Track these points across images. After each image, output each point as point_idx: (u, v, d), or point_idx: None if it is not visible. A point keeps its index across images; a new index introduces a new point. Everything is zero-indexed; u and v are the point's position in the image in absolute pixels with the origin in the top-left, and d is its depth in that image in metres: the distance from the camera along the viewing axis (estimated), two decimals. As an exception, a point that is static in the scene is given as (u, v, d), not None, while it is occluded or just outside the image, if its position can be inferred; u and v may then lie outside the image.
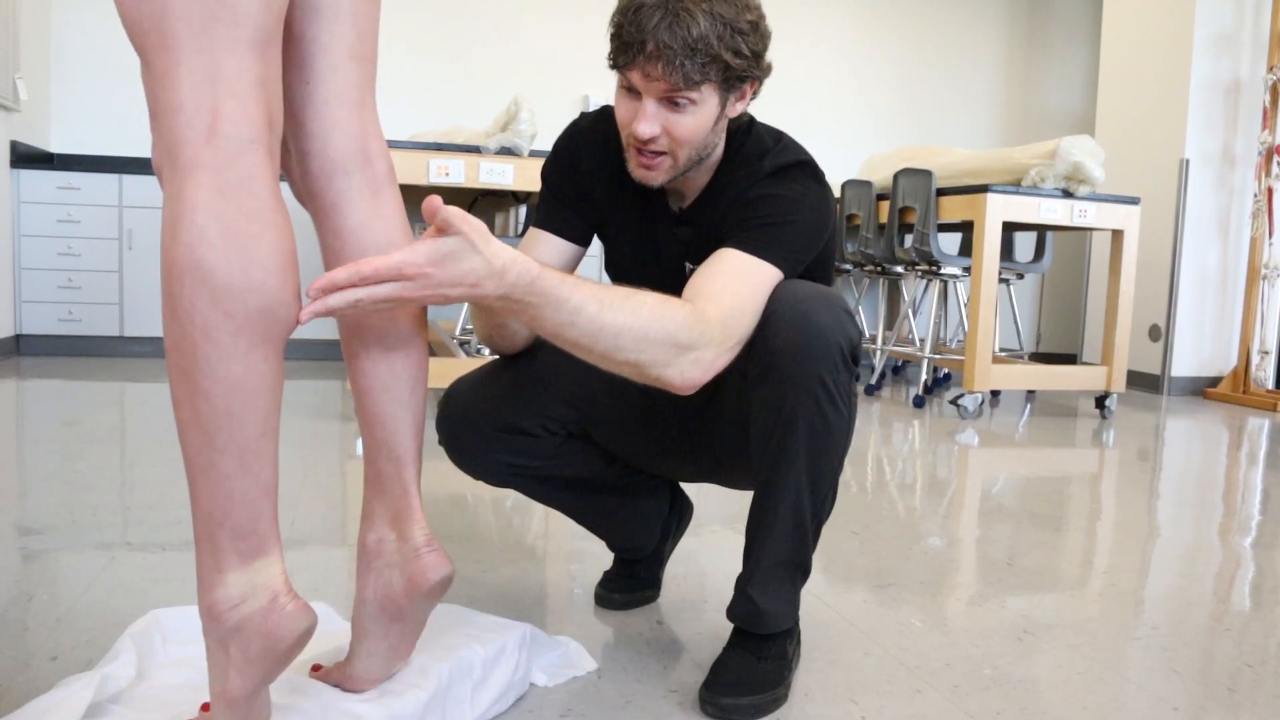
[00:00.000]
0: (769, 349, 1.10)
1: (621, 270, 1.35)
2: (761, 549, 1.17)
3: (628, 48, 1.08)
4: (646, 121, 1.11)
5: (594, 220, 1.31)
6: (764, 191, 1.17)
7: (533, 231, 1.31)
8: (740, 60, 1.10)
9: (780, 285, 1.14)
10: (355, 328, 0.99)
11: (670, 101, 1.10)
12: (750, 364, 1.13)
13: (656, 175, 1.16)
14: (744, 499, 2.22)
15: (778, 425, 1.11)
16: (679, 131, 1.12)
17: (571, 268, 1.31)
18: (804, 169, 1.20)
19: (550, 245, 1.28)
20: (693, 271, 1.26)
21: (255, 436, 0.82)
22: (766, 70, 1.15)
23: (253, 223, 0.80)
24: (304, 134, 0.97)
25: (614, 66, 1.12)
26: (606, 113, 1.29)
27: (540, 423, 1.27)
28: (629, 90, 1.13)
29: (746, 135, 1.23)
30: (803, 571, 1.20)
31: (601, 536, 1.49)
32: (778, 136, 1.24)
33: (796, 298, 1.11)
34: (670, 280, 1.30)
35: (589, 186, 1.28)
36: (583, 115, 1.31)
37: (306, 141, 0.96)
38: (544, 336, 1.01)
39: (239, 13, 0.81)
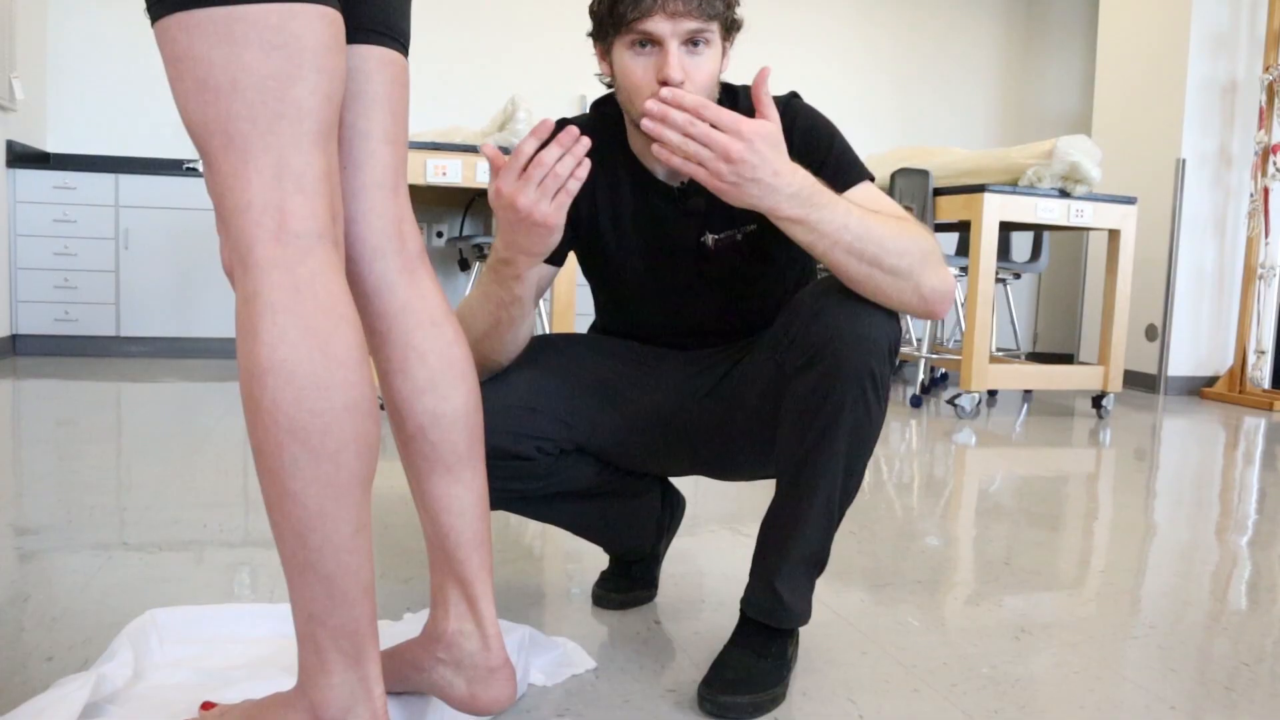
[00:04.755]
0: (822, 336, 1.10)
1: (620, 271, 1.33)
2: (793, 542, 1.16)
3: None
4: (675, 65, 1.12)
5: (570, 235, 1.31)
6: (803, 135, 1.22)
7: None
8: (734, 2, 1.17)
9: (826, 279, 1.16)
10: (419, 452, 1.00)
11: (691, 44, 1.13)
12: (791, 352, 1.13)
13: None
14: (741, 498, 2.22)
15: (821, 413, 1.11)
16: (700, 76, 1.15)
17: (545, 288, 1.30)
18: (796, 95, 1.28)
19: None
20: (714, 241, 1.28)
21: (349, 535, 0.82)
22: (742, 20, 1.20)
23: (328, 319, 0.80)
24: (344, 218, 0.97)
25: (620, 27, 1.13)
26: (569, 121, 1.29)
27: (535, 445, 1.23)
28: (641, 45, 1.13)
29: (729, 94, 1.27)
30: (821, 566, 1.20)
31: (598, 543, 1.48)
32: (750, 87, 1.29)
33: (848, 290, 1.13)
34: (688, 258, 1.30)
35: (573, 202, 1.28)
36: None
37: (346, 226, 0.97)
38: (820, 248, 1.08)
39: (302, 109, 0.81)
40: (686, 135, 1.00)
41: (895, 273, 1.08)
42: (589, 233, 1.31)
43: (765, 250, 1.30)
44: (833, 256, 1.07)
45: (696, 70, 1.14)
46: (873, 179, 1.22)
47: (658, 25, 1.11)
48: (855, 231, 1.06)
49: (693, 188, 1.26)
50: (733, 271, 1.30)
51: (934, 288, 1.10)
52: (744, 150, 1.00)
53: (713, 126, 1.00)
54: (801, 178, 1.04)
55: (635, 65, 1.14)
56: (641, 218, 1.29)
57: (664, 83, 1.12)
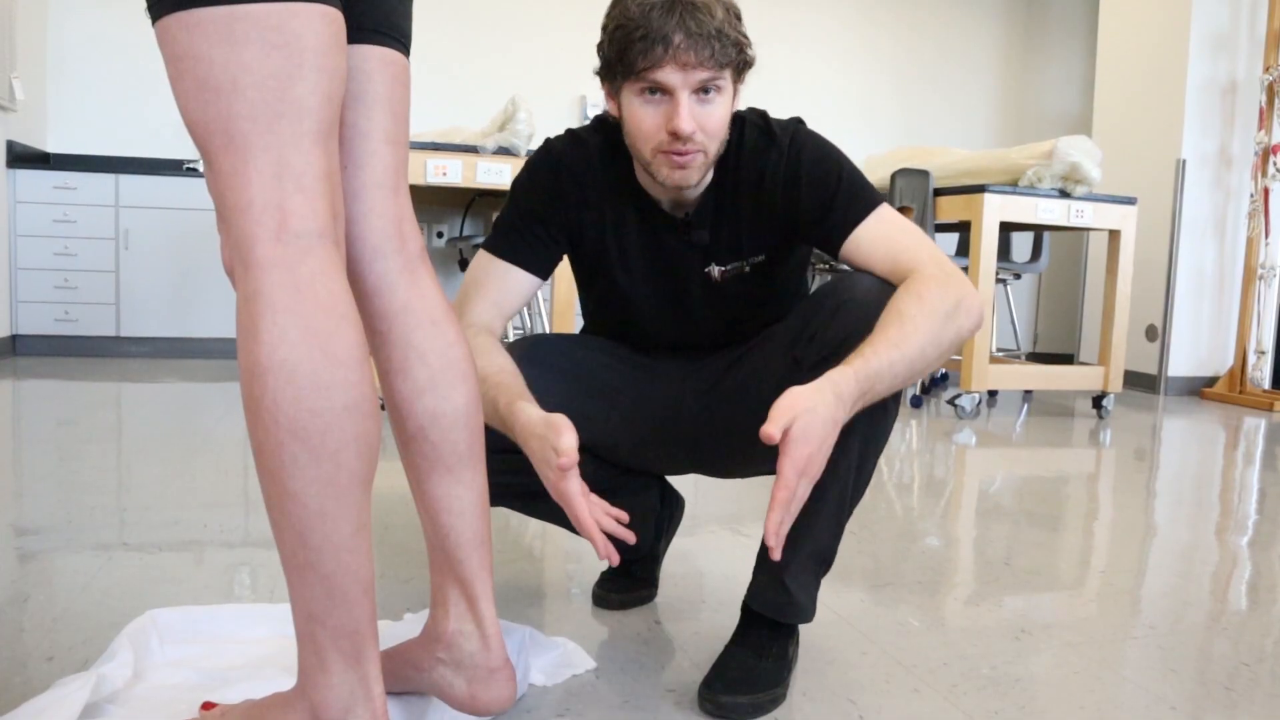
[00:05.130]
0: (841, 333, 1.10)
1: (624, 292, 1.32)
2: (803, 538, 1.16)
3: (652, 45, 1.08)
4: (687, 115, 1.11)
5: (567, 249, 1.31)
6: (810, 167, 1.21)
7: (492, 260, 1.28)
8: (746, 43, 1.15)
9: (849, 276, 1.16)
10: (419, 452, 1.00)
11: (701, 92, 1.12)
12: (810, 348, 1.13)
13: (691, 173, 1.17)
14: (741, 498, 2.22)
15: None
16: (711, 124, 1.14)
17: (528, 300, 1.30)
18: (800, 123, 1.26)
19: (514, 278, 1.27)
20: (721, 273, 1.28)
21: (349, 534, 0.82)
22: (754, 59, 1.18)
23: (329, 318, 0.80)
24: (344, 218, 0.97)
25: (630, 74, 1.12)
26: (578, 135, 1.29)
27: None
28: (651, 93, 1.12)
29: (738, 124, 1.25)
30: (828, 564, 1.20)
31: None
32: (762, 113, 1.27)
33: (868, 289, 1.13)
34: (694, 288, 1.30)
35: (572, 211, 1.28)
36: (551, 140, 1.31)
37: (346, 225, 0.97)
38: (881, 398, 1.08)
39: (302, 108, 0.81)
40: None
41: (944, 352, 1.09)
42: (596, 260, 1.31)
43: (772, 277, 1.30)
44: (901, 389, 1.09)
45: (707, 119, 1.14)
46: (883, 202, 1.21)
47: (668, 76, 1.10)
48: (901, 368, 1.05)
49: (696, 220, 1.26)
50: (738, 298, 1.31)
51: (970, 328, 1.11)
52: (813, 472, 0.98)
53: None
54: (846, 391, 1.00)
55: (645, 114, 1.14)
56: (648, 248, 1.29)
57: (674, 134, 1.12)
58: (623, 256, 1.30)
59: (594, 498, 1.06)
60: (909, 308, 1.07)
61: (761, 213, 1.24)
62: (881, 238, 1.18)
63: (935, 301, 1.08)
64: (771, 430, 0.95)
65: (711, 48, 1.09)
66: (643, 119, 1.14)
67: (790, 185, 1.21)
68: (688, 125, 1.11)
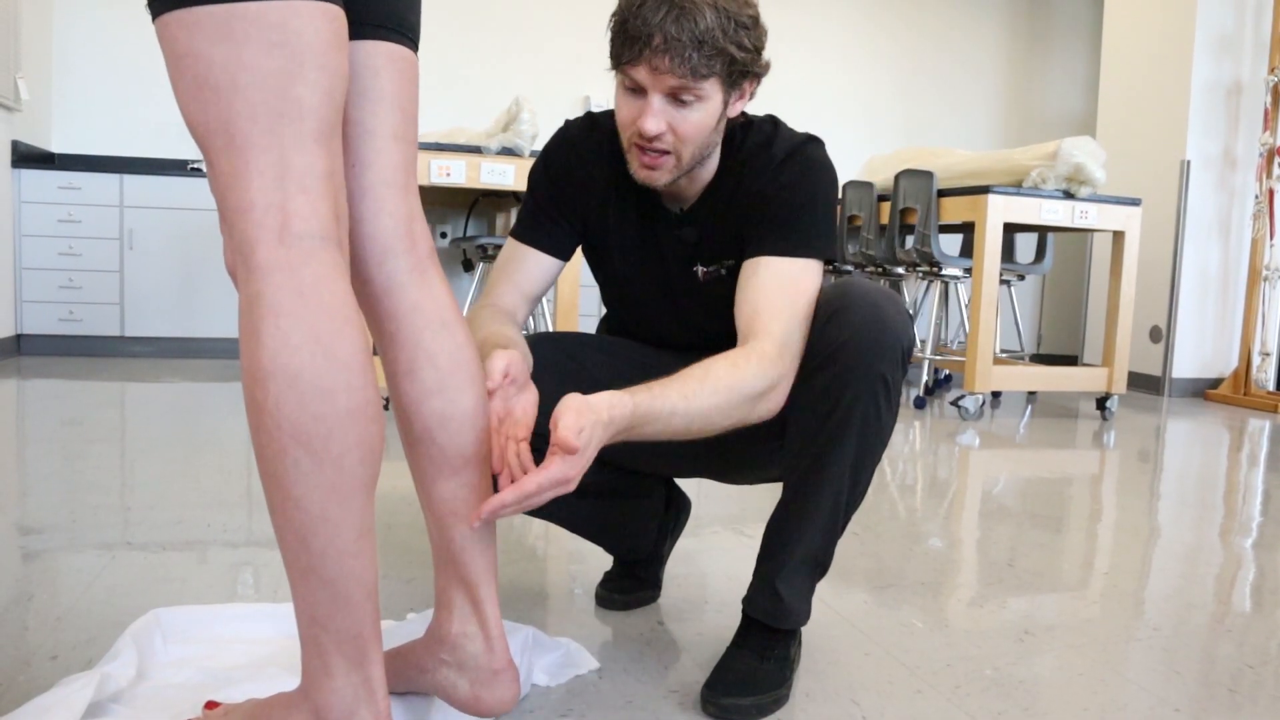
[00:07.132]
0: (836, 339, 1.10)
1: (622, 278, 1.33)
2: (795, 542, 1.16)
3: (633, 42, 1.08)
4: (652, 118, 1.10)
5: (581, 232, 1.32)
6: (782, 182, 1.18)
7: (515, 245, 1.30)
8: (744, 54, 1.11)
9: (849, 281, 1.15)
10: (426, 455, 1.00)
11: (676, 98, 1.10)
12: (805, 353, 1.13)
13: (660, 175, 1.16)
14: (745, 499, 2.22)
15: (832, 417, 1.11)
16: (684, 129, 1.12)
17: (551, 281, 1.31)
18: (814, 144, 1.22)
19: (534, 261, 1.29)
20: (703, 274, 1.27)
21: (352, 539, 0.81)
22: (765, 67, 1.16)
23: (332, 322, 0.79)
24: (352, 217, 0.95)
25: (617, 65, 1.12)
26: (595, 120, 1.30)
27: (537, 438, 1.24)
28: (632, 89, 1.12)
29: (746, 129, 1.23)
30: (823, 569, 1.20)
31: (600, 543, 1.47)
32: (775, 122, 1.25)
33: (866, 293, 1.12)
34: (678, 283, 1.30)
35: (582, 196, 1.29)
36: (570, 123, 1.31)
37: (354, 225, 0.96)
38: (647, 441, 1.05)
39: (304, 108, 0.80)
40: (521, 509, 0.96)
41: (730, 426, 1.08)
42: (601, 245, 1.32)
43: None
44: (672, 438, 1.06)
45: (681, 122, 1.12)
46: (827, 260, 1.19)
47: (641, 76, 1.10)
48: (678, 422, 1.02)
49: (688, 217, 1.26)
50: (719, 301, 1.30)
51: (763, 417, 1.11)
52: (570, 485, 0.95)
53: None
54: (618, 418, 0.97)
55: (624, 104, 1.15)
56: (645, 239, 1.29)
57: (641, 133, 1.12)
58: (622, 244, 1.30)
59: (524, 445, 1.02)
60: (720, 372, 1.06)
61: (741, 219, 1.24)
62: (769, 285, 1.15)
63: (748, 379, 1.07)
64: (567, 433, 0.91)
65: (685, 56, 1.06)
66: (621, 108, 1.15)
67: (760, 196, 1.20)
68: (652, 127, 1.11)
